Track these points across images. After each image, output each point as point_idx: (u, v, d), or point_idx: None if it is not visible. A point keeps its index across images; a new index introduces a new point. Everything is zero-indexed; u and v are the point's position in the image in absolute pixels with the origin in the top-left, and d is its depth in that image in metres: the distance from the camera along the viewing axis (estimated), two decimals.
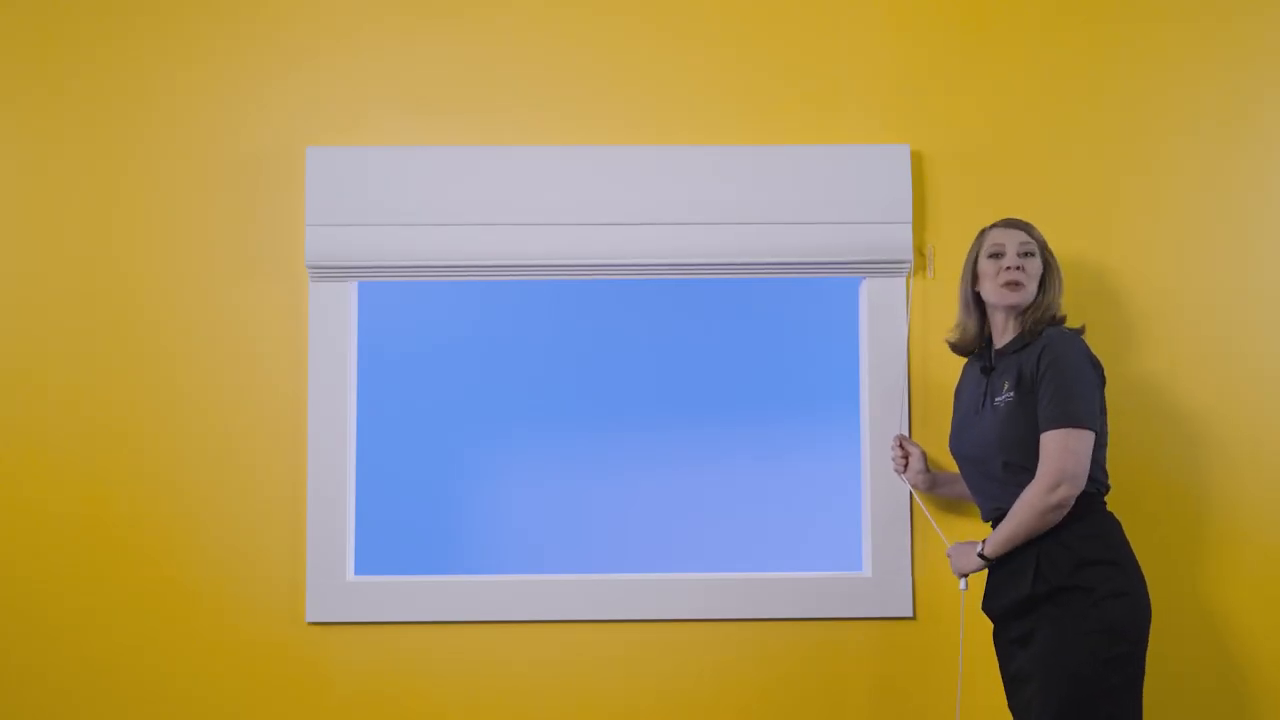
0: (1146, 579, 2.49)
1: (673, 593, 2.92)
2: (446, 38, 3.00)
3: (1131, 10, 3.02)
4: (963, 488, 2.78)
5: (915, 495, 2.90)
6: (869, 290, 2.96)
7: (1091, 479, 2.47)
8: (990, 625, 2.64)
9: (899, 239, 2.92)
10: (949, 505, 2.91)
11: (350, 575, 2.92)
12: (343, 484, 2.91)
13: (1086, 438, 2.42)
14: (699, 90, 3.00)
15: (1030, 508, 2.43)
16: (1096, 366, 2.53)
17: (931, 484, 2.85)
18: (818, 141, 2.98)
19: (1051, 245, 2.68)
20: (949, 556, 2.67)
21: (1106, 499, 2.56)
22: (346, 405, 2.93)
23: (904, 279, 2.95)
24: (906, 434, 2.91)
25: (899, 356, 2.94)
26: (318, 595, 2.89)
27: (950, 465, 2.87)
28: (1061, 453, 2.40)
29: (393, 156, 2.92)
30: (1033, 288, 2.57)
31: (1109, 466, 2.59)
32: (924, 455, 2.86)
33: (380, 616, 2.90)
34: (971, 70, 3.01)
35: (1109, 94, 3.01)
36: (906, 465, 2.85)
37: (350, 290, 2.96)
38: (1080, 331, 2.60)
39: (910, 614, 2.92)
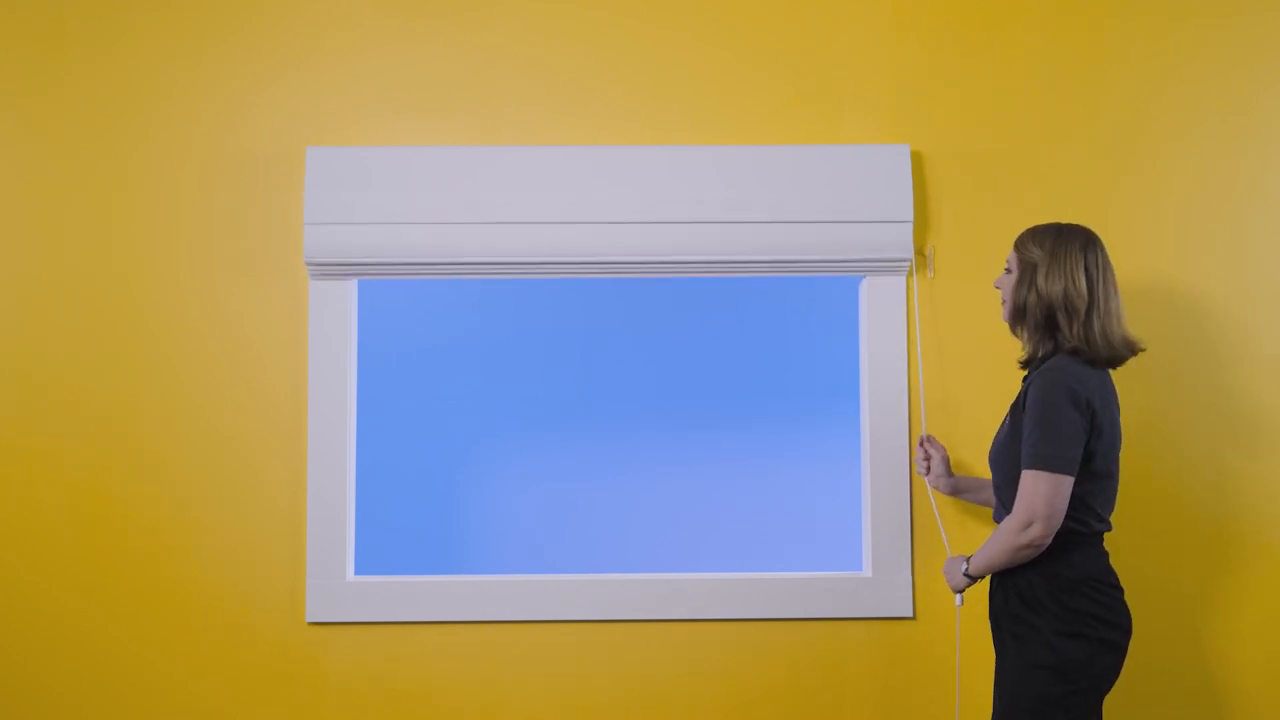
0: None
1: (672, 593, 2.92)
2: (446, 38, 3.00)
3: (1131, 10, 3.02)
4: (986, 494, 2.78)
5: (931, 498, 2.90)
6: (869, 289, 2.96)
7: (1076, 518, 2.44)
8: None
9: (899, 238, 2.92)
10: (962, 509, 2.91)
11: (350, 575, 2.92)
12: (343, 484, 2.91)
13: (1056, 481, 2.38)
14: (699, 90, 3.00)
15: (1003, 543, 2.44)
16: (1083, 407, 2.42)
17: (954, 489, 2.83)
18: (818, 141, 2.99)
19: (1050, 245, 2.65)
20: (944, 573, 2.66)
21: (1105, 536, 2.51)
22: (346, 405, 2.93)
23: (904, 278, 2.95)
24: (927, 434, 2.90)
25: (899, 356, 2.94)
26: (318, 595, 2.89)
27: (979, 470, 2.89)
28: (1032, 495, 2.39)
29: (392, 156, 2.92)
30: (1009, 304, 2.54)
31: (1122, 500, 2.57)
32: (946, 459, 2.85)
33: (380, 616, 2.90)
34: (971, 70, 3.01)
35: (1109, 94, 3.01)
36: (929, 467, 2.85)
37: (350, 288, 2.96)
38: (1077, 363, 2.45)
39: (910, 614, 2.92)
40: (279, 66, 2.99)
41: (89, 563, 2.91)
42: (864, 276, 2.96)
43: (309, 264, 2.88)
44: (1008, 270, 2.55)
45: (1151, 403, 2.94)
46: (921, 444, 2.87)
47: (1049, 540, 2.40)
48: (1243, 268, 2.98)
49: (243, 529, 2.92)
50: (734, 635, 2.93)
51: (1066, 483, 2.39)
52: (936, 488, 2.86)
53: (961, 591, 2.60)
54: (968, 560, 2.55)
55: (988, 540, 2.50)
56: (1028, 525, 2.39)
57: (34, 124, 2.97)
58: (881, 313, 2.95)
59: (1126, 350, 2.48)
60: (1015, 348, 2.72)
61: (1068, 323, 2.45)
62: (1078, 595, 2.41)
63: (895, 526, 2.93)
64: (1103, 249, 2.49)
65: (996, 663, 2.53)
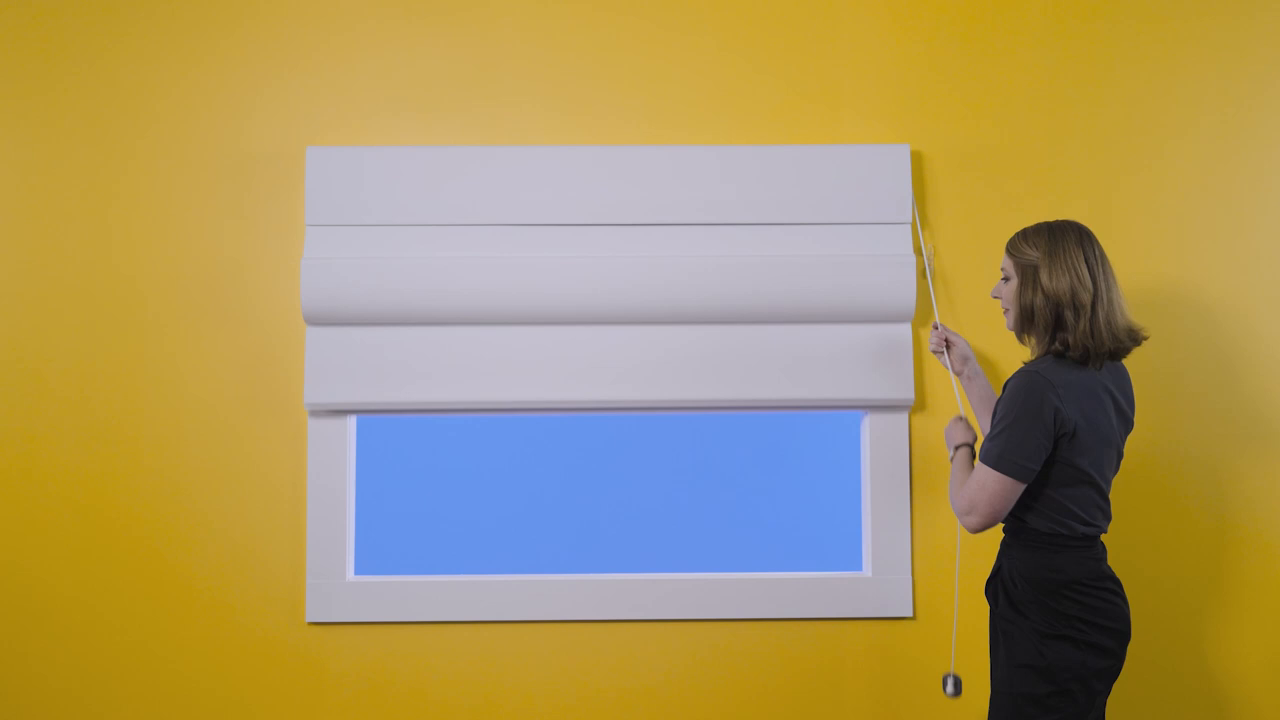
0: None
1: (673, 593, 2.92)
2: (446, 38, 3.00)
3: (1131, 10, 3.03)
4: (981, 405, 2.76)
5: (948, 364, 2.79)
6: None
7: (1057, 521, 2.42)
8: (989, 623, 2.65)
9: (900, 237, 2.92)
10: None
11: (350, 575, 2.92)
12: (343, 484, 2.92)
13: (1004, 483, 2.38)
14: (699, 90, 3.00)
15: (954, 502, 2.48)
16: (1048, 417, 2.35)
17: (964, 356, 2.76)
18: (818, 141, 2.99)
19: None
20: (945, 431, 2.66)
21: (1104, 537, 2.51)
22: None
23: (913, 277, 2.95)
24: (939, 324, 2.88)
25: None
26: (318, 595, 2.89)
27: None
28: (979, 487, 2.41)
29: (392, 156, 2.92)
30: (1013, 311, 2.48)
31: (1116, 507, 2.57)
32: (967, 344, 2.78)
33: (380, 616, 2.90)
34: (971, 70, 3.01)
35: (1109, 94, 3.01)
36: (947, 343, 2.78)
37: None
38: (1058, 366, 2.41)
39: (910, 614, 2.92)
40: (279, 66, 2.99)
41: (89, 562, 2.91)
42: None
43: (304, 271, 2.87)
44: (1005, 278, 2.50)
45: (1152, 403, 2.94)
46: (936, 326, 2.82)
47: (983, 531, 2.45)
48: (1243, 268, 2.98)
49: (243, 529, 2.92)
50: (734, 635, 2.93)
51: (1015, 487, 2.38)
52: (956, 370, 2.77)
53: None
54: (958, 450, 2.58)
55: (966, 481, 2.46)
56: (968, 513, 2.42)
57: (34, 124, 2.97)
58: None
59: (1130, 340, 2.43)
60: (1011, 341, 2.72)
61: (1074, 318, 2.39)
62: (1061, 598, 2.40)
63: (895, 526, 2.93)
64: (1097, 241, 2.45)
65: (990, 660, 2.54)
